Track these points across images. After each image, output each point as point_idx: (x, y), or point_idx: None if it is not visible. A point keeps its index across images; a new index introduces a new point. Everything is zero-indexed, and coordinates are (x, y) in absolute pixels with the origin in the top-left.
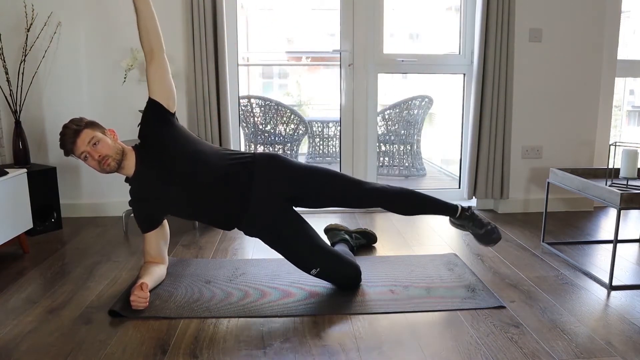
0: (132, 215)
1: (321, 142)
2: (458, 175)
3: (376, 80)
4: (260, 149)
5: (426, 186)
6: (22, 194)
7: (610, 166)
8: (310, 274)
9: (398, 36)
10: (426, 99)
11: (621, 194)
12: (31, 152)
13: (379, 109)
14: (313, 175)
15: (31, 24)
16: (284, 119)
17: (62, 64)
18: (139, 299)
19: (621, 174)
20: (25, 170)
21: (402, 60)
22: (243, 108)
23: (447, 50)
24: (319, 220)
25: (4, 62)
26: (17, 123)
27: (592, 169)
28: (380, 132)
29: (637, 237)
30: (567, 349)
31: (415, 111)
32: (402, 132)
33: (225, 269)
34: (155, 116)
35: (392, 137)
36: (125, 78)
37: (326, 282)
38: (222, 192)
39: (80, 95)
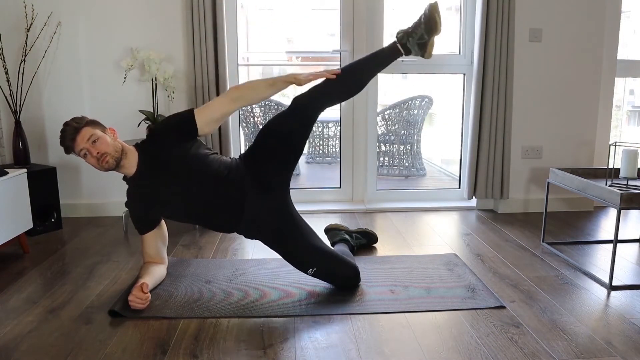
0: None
1: (321, 142)
2: (458, 175)
3: (376, 80)
4: None
5: (426, 186)
6: (22, 194)
7: (610, 166)
8: (307, 274)
9: None
10: (426, 99)
11: (621, 194)
12: (31, 152)
13: (379, 109)
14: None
15: (31, 24)
16: None
17: (62, 64)
18: (137, 299)
19: (621, 174)
20: (25, 170)
21: (402, 60)
22: (243, 108)
23: (447, 50)
24: (319, 220)
25: (4, 62)
26: (17, 123)
27: (592, 169)
28: (380, 132)
29: (637, 237)
30: (567, 349)
31: (415, 111)
32: (402, 132)
33: (225, 269)
34: (184, 129)
35: (392, 137)
36: (125, 78)
37: (326, 282)
38: (219, 197)
39: (80, 95)
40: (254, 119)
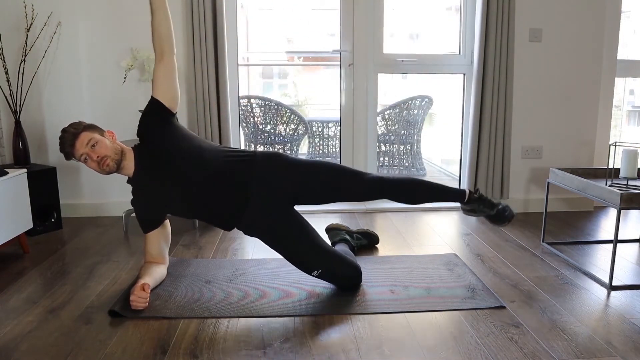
0: (133, 215)
1: (321, 142)
2: (458, 175)
3: (376, 80)
4: (260, 149)
5: None
6: (22, 194)
7: (610, 166)
8: (311, 275)
9: (398, 36)
10: (426, 99)
11: (621, 194)
12: (31, 152)
13: (379, 108)
14: (315, 174)
15: (31, 24)
16: (284, 119)
17: (62, 64)
18: (139, 299)
19: (621, 174)
20: (25, 170)
21: (402, 60)
22: (243, 108)
23: (447, 50)
24: (320, 220)
25: (4, 62)
26: (17, 123)
27: (592, 169)
28: (380, 132)
29: (637, 237)
30: (567, 349)
31: (415, 111)
32: (402, 132)
33: (225, 269)
34: (156, 115)
35: (392, 137)
36: (125, 78)
37: (326, 282)
38: (221, 190)
39: (80, 95)
40: (254, 119)
